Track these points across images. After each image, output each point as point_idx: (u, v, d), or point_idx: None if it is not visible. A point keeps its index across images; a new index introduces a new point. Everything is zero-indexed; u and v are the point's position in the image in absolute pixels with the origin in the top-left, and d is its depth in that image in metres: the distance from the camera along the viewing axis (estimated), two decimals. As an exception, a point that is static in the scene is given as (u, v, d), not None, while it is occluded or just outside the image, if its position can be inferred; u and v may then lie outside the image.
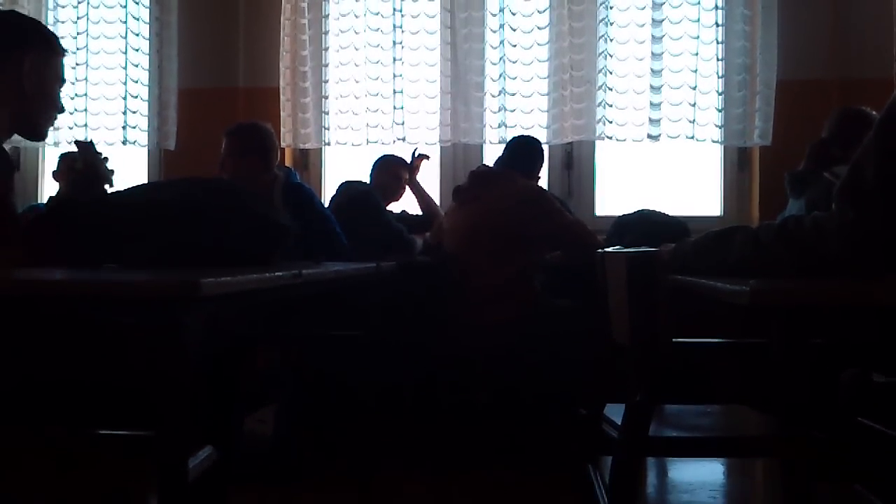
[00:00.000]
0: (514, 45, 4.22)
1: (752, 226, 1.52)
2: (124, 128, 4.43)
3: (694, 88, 4.10)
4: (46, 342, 1.44)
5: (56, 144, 4.41)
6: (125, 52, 4.43)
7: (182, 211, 1.80)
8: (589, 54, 4.13)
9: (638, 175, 4.36)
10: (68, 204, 1.93)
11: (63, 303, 1.38)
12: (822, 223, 1.36)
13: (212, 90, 4.42)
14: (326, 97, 4.33)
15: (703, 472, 1.80)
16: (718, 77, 4.09)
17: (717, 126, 4.10)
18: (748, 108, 4.08)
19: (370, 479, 2.70)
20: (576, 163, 4.38)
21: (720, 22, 4.10)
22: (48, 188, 4.53)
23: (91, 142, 2.21)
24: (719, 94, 4.08)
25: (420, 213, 4.23)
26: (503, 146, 3.85)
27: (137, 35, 4.44)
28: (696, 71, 4.10)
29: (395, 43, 4.28)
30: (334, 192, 3.96)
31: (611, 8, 4.16)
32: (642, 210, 3.82)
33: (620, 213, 3.88)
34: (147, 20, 4.44)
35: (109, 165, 2.10)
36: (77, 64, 4.38)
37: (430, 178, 4.36)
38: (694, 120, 4.10)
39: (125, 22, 4.44)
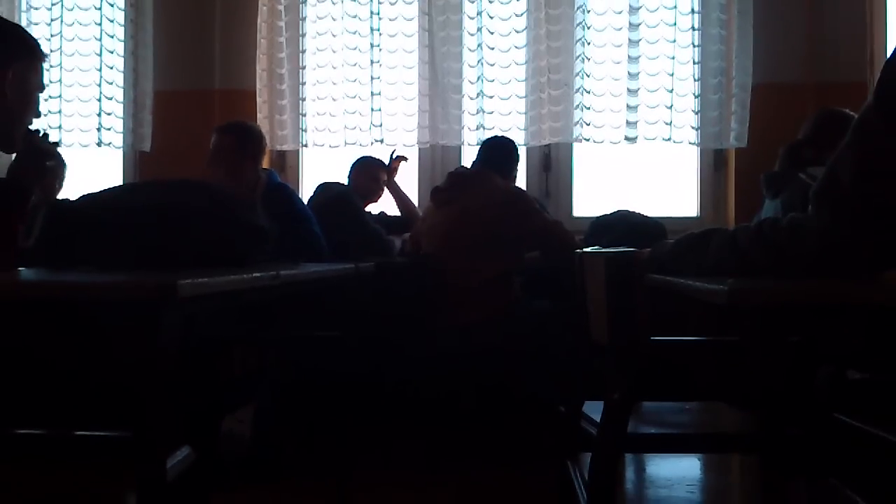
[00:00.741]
0: (492, 48, 4.23)
1: (729, 226, 1.53)
2: (99, 129, 4.38)
3: (670, 91, 4.13)
4: (22, 344, 1.43)
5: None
6: (100, 54, 4.40)
7: (157, 214, 1.79)
8: (566, 57, 4.16)
9: (615, 176, 4.39)
10: (49, 207, 1.91)
11: (39, 305, 1.36)
12: (798, 226, 1.37)
13: (187, 92, 4.40)
14: (304, 99, 4.32)
15: (681, 468, 1.82)
16: (695, 80, 4.12)
17: (693, 128, 4.13)
18: (724, 111, 4.12)
19: (349, 479, 2.70)
20: (553, 164, 4.40)
21: (696, 26, 4.13)
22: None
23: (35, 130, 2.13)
24: (696, 97, 4.12)
25: (398, 214, 4.23)
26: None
27: (112, 37, 4.41)
28: (672, 74, 4.13)
29: (372, 45, 4.28)
30: (312, 194, 3.95)
31: (588, 12, 4.18)
32: (620, 211, 3.84)
33: (598, 214, 3.90)
34: (122, 22, 4.41)
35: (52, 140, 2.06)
36: (51, 66, 4.33)
37: (408, 179, 4.36)
38: (671, 122, 4.13)
39: (100, 24, 4.41)
